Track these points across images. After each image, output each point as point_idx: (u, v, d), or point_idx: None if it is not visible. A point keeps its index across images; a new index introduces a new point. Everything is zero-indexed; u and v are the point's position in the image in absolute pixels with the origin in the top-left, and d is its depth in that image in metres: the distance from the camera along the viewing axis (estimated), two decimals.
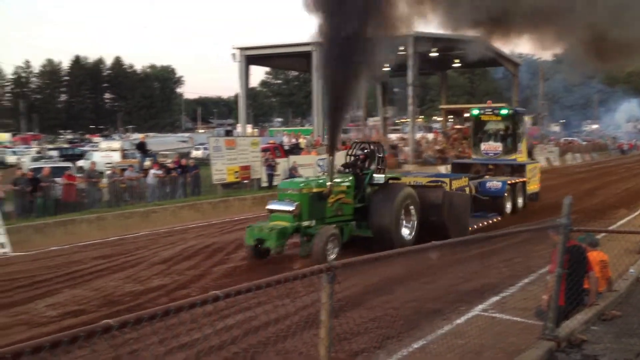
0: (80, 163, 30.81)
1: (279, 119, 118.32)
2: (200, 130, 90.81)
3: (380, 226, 13.30)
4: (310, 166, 27.14)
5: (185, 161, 25.48)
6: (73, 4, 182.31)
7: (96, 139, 69.92)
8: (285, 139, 44.39)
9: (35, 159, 37.55)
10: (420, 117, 77.80)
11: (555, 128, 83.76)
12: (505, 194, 18.28)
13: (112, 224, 17.60)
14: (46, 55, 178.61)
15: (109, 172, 23.81)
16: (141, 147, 37.63)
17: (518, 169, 20.53)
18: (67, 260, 13.17)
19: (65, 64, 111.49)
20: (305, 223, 12.41)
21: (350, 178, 13.70)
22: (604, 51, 15.33)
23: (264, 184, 24.77)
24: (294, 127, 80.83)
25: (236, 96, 55.24)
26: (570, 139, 65.58)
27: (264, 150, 28.32)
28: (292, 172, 24.91)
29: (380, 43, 12.25)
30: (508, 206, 18.55)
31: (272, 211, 12.69)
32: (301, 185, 12.76)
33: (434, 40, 38.13)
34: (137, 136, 60.09)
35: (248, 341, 7.58)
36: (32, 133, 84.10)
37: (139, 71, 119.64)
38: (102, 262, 12.83)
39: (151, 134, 67.83)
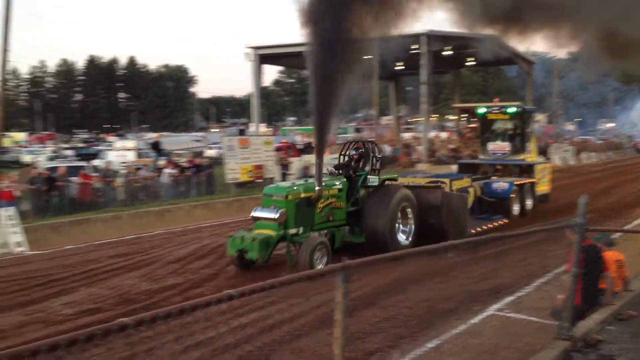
0: (95, 162, 31.00)
1: (292, 118, 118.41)
2: (213, 130, 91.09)
3: (374, 231, 12.65)
4: (323, 165, 27.10)
5: (199, 160, 25.61)
6: (87, 3, 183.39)
7: (111, 138, 70.34)
8: (298, 138, 44.44)
9: (51, 159, 37.83)
10: (434, 115, 77.58)
11: (571, 127, 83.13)
12: (512, 196, 17.56)
13: (127, 223, 17.70)
14: (52, 55, 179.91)
15: (123, 171, 23.96)
16: (155, 146, 37.87)
17: (527, 170, 19.78)
18: (83, 259, 13.26)
19: (80, 63, 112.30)
20: (292, 231, 11.72)
21: (342, 180, 13.01)
22: (618, 49, 15.19)
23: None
24: (307, 126, 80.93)
25: (249, 95, 55.42)
26: (585, 137, 65.08)
27: (277, 149, 28.38)
28: (305, 171, 24.92)
29: (367, 44, 11.81)
30: (515, 208, 17.87)
31: (256, 219, 11.93)
32: (287, 190, 11.93)
33: (447, 38, 37.99)
34: (151, 135, 60.43)
35: (262, 340, 7.60)
36: (47, 132, 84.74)
37: (152, 71, 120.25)
38: (118, 260, 12.91)
39: (165, 134, 68.16)
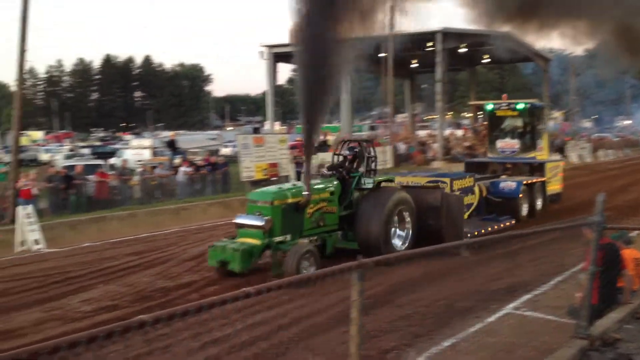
0: (111, 161, 31.21)
1: None
2: (228, 128, 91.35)
3: (367, 236, 11.92)
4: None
5: (215, 159, 25.71)
6: (103, 3, 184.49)
7: (127, 136, 70.78)
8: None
9: (68, 157, 38.15)
10: (449, 113, 77.26)
11: (587, 124, 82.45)
12: (521, 195, 16.87)
13: (143, 220, 17.82)
14: (69, 54, 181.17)
15: (139, 169, 24.10)
16: (171, 144, 38.03)
17: (538, 168, 19.05)
18: (100, 256, 13.36)
19: (96, 63, 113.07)
20: (279, 238, 11.06)
21: (335, 183, 12.31)
22: (635, 45, 15.05)
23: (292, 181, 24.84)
24: (321, 125, 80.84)
25: (264, 94, 55.52)
26: (602, 135, 64.53)
27: (292, 147, 28.39)
28: (320, 170, 24.91)
29: (354, 44, 11.39)
30: (524, 208, 17.20)
31: (239, 226, 11.27)
32: (273, 196, 11.24)
33: (462, 35, 37.86)
34: (167, 134, 60.69)
35: (278, 337, 7.63)
36: (64, 131, 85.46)
37: (168, 70, 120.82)
38: (134, 258, 13.00)
39: (181, 132, 68.43)
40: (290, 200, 11.29)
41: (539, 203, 18.10)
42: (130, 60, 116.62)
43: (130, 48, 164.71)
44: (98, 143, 60.74)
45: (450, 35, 37.79)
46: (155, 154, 36.02)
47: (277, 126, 54.94)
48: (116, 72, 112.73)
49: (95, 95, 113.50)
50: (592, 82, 79.85)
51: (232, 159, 29.96)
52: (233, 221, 11.59)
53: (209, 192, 22.74)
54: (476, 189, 15.66)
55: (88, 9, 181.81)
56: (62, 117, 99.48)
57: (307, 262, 10.54)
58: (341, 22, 10.30)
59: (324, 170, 13.06)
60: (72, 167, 22.66)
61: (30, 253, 14.48)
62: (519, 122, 19.98)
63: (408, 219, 12.57)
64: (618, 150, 51.35)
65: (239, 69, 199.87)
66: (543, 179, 18.57)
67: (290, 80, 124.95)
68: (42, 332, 8.27)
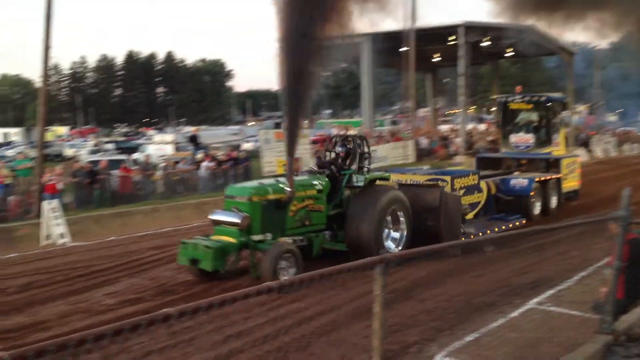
0: (135, 156, 31.51)
1: (328, 111, 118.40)
2: (250, 123, 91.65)
3: (357, 237, 11.19)
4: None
5: (236, 153, 25.82)
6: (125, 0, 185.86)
7: (150, 132, 71.36)
8: (334, 131, 44.41)
9: (92, 152, 38.57)
10: (472, 107, 76.73)
11: (612, 118, 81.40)
12: (533, 193, 16.05)
13: (165, 215, 17.97)
14: (92, 50, 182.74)
15: (162, 164, 24.31)
16: (193, 139, 38.29)
17: (554, 164, 18.03)
18: (124, 250, 13.50)
19: (119, 59, 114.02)
20: (258, 237, 10.38)
21: (324, 180, 11.59)
22: None
23: None
24: (342, 119, 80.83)
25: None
26: (627, 128, 63.65)
27: (314, 142, 28.42)
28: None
29: (336, 40, 10.97)
30: (537, 207, 16.37)
31: (215, 222, 10.66)
32: (251, 191, 10.56)
33: (485, 29, 37.56)
34: (189, 129, 61.09)
35: (300, 331, 7.67)
36: (89, 127, 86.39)
37: (190, 65, 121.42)
38: (157, 252, 13.10)
39: (203, 127, 68.83)
40: (271, 197, 10.61)
41: (553, 201, 17.26)
42: (152, 57, 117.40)
43: (153, 44, 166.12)
44: (121, 138, 61.31)
45: (473, 29, 37.50)
46: (177, 149, 36.31)
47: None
48: (139, 68, 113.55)
49: (118, 91, 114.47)
50: (616, 76, 78.80)
51: (254, 154, 30.08)
52: (208, 217, 10.93)
53: None
54: (484, 187, 14.97)
55: (110, 6, 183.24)
56: (86, 113, 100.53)
57: (286, 263, 9.90)
58: (324, 20, 10.04)
59: (313, 167, 12.36)
60: (96, 162, 22.94)
61: (55, 247, 14.68)
62: (534, 116, 19.12)
63: (403, 219, 11.80)
64: None
65: (260, 64, 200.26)
66: (558, 176, 17.63)
67: None
68: (67, 324, 8.38)
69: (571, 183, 18.47)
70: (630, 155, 43.48)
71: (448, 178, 13.57)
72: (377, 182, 12.23)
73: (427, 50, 42.89)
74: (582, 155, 33.73)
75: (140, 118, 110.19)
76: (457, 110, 52.81)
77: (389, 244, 11.59)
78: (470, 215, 13.97)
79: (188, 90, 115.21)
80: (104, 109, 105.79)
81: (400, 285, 9.51)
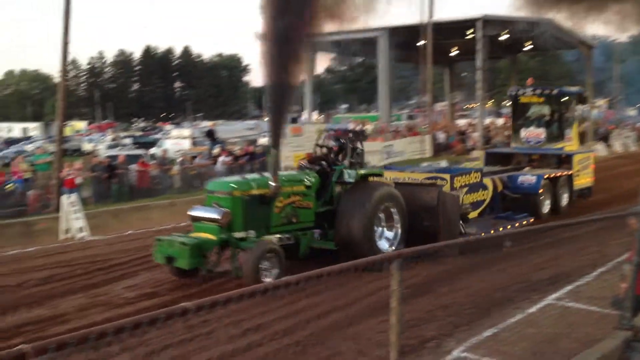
0: (152, 150, 31.71)
1: (345, 106, 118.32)
2: (266, 118, 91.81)
3: (347, 236, 10.66)
4: (376, 152, 27.07)
5: (253, 148, 25.89)
6: None
7: (167, 127, 71.71)
8: (351, 126, 44.37)
9: (111, 147, 38.85)
10: (490, 101, 76.23)
11: (632, 112, 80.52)
12: (541, 190, 15.37)
13: (183, 209, 17.92)
14: (110, 46, 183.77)
15: (179, 159, 24.44)
16: (210, 134, 38.42)
17: (566, 160, 17.28)
18: (142, 244, 13.56)
19: (137, 54, 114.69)
20: (240, 234, 9.89)
21: (313, 176, 11.08)
22: None
23: None
24: (359, 114, 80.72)
25: (301, 83, 55.64)
26: None
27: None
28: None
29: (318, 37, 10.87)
30: (546, 204, 15.68)
31: (195, 219, 10.22)
32: (232, 186, 10.08)
33: (503, 22, 37.29)
34: (206, 124, 61.30)
35: (317, 325, 7.69)
36: (107, 121, 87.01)
37: (206, 60, 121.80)
38: None
39: (219, 122, 69.04)
40: (254, 192, 10.10)
41: (564, 198, 16.57)
42: (169, 52, 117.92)
43: (170, 39, 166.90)
44: (139, 133, 61.67)
45: (491, 22, 37.25)
46: (194, 143, 36.46)
47: (315, 116, 55.06)
48: (156, 63, 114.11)
49: (136, 86, 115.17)
50: (636, 69, 77.92)
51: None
52: (188, 213, 10.45)
53: None
54: (489, 184, 14.37)
55: (127, 1, 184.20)
56: (104, 108, 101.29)
57: (269, 263, 9.45)
58: (308, 17, 9.81)
59: (302, 162, 11.80)
60: (114, 156, 23.11)
61: (74, 241, 14.82)
62: (545, 110, 18.27)
63: (397, 217, 11.24)
64: None
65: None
66: (569, 172, 16.89)
67: (329, 70, 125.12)
68: (86, 317, 8.45)
69: (584, 180, 17.77)
70: None
71: (447, 176, 12.99)
72: (370, 178, 11.65)
73: (445, 44, 42.67)
74: (601, 150, 33.46)
75: (157, 113, 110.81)
76: (474, 105, 52.49)
77: (382, 243, 11.09)
78: (474, 214, 13.46)
79: (205, 85, 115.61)
80: (122, 103, 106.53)
81: (416, 281, 9.49)
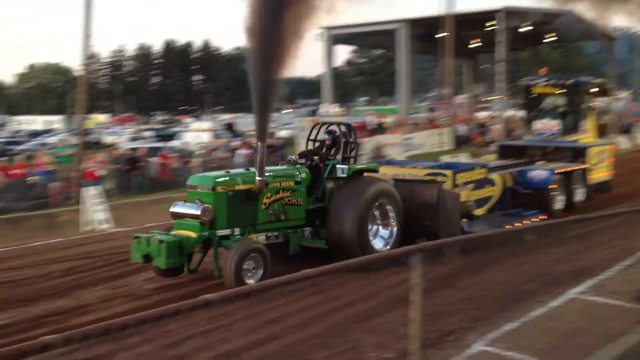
0: (172, 143, 31.91)
1: (364, 98, 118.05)
2: (285, 110, 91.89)
3: (339, 234, 10.10)
4: (395, 145, 27.00)
5: (272, 141, 25.91)
6: None
7: (187, 119, 72.07)
8: (370, 119, 44.28)
9: (132, 140, 39.16)
10: (510, 94, 75.58)
11: None
12: (553, 186, 14.64)
13: None
14: (131, 39, 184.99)
15: (199, 152, 24.58)
16: (230, 127, 38.55)
17: (580, 153, 16.52)
18: None
19: (157, 47, 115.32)
20: (223, 232, 9.43)
21: (303, 171, 10.55)
22: None
23: None
24: (378, 106, 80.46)
25: (320, 76, 55.60)
26: None
27: None
28: (378, 152, 24.90)
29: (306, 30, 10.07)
30: (559, 200, 14.93)
31: (175, 215, 9.70)
32: (215, 181, 9.53)
33: (525, 14, 36.93)
34: (226, 117, 61.51)
35: (337, 318, 7.71)
36: (128, 114, 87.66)
37: (226, 53, 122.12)
38: None
39: (239, 115, 69.23)
40: (239, 187, 9.60)
41: (579, 194, 15.81)
42: (189, 45, 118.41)
43: (189, 33, 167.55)
44: (159, 126, 62.05)
45: (513, 14, 36.93)
46: (214, 136, 36.63)
47: (335, 108, 54.99)
48: (176, 56, 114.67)
49: (156, 79, 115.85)
50: None
51: (289, 141, 30.19)
52: (170, 210, 9.87)
53: None
54: (497, 180, 13.80)
55: None
56: (125, 101, 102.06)
57: (252, 263, 9.02)
58: (293, 10, 9.38)
59: (292, 157, 11.16)
60: (136, 149, 23.31)
61: (95, 232, 14.97)
62: (560, 101, 17.57)
63: (392, 214, 10.73)
64: None
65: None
66: (584, 166, 16.13)
67: (349, 62, 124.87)
68: (108, 308, 8.54)
69: (600, 174, 16.94)
70: None
71: (449, 173, 12.39)
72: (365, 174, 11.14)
73: (465, 36, 42.39)
74: (623, 142, 33.03)
75: (177, 106, 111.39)
76: (495, 97, 52.05)
77: (377, 242, 10.59)
78: (481, 211, 12.92)
79: (224, 78, 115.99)
80: (142, 97, 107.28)
81: (437, 274, 9.46)
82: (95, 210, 15.68)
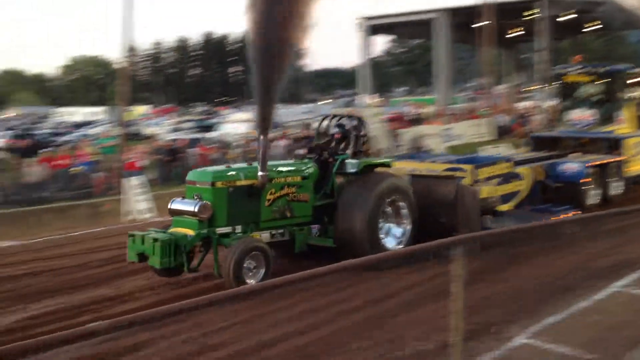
0: (211, 134, 32.19)
1: (403, 88, 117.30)
2: (322, 101, 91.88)
3: (347, 231, 9.66)
4: (434, 136, 26.80)
5: (309, 132, 25.99)
6: None
7: (226, 111, 72.59)
8: (408, 109, 44.04)
9: (172, 131, 39.63)
10: (552, 83, 74.17)
11: None
12: (586, 179, 13.86)
13: None
14: (171, 31, 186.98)
15: (238, 142, 24.76)
16: None
17: (616, 145, 15.57)
18: None
19: (196, 39, 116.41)
20: (224, 230, 8.99)
21: (311, 165, 10.09)
22: None
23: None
24: (416, 97, 79.88)
25: (358, 67, 55.47)
26: None
27: (391, 120, 28.35)
28: (416, 143, 24.78)
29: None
30: (593, 194, 14.11)
31: (174, 212, 9.29)
32: (215, 176, 9.10)
33: (566, 3, 36.22)
34: None
35: (375, 310, 7.72)
36: (168, 106, 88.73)
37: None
38: None
39: (277, 106, 69.40)
40: (240, 182, 9.16)
41: (615, 187, 14.93)
42: (226, 37, 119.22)
43: (228, 24, 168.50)
44: (199, 117, 62.63)
45: (554, 2, 36.24)
46: (253, 127, 36.81)
47: (373, 99, 54.82)
48: (214, 48, 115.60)
49: (195, 71, 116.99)
50: None
51: None
52: (168, 207, 9.52)
53: None
54: (525, 173, 13.07)
55: None
56: (165, 92, 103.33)
57: (253, 262, 8.60)
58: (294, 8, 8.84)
59: (299, 151, 10.80)
60: (175, 140, 23.63)
61: (137, 222, 15.20)
62: (595, 89, 16.74)
63: (405, 212, 10.26)
64: None
65: (332, 42, 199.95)
66: (620, 158, 15.21)
67: (387, 52, 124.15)
68: (150, 297, 8.66)
69: (638, 166, 15.95)
70: None
71: (469, 167, 11.61)
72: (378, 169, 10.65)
73: (504, 25, 41.77)
74: None
75: (216, 97, 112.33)
76: (535, 87, 51.20)
77: (389, 241, 10.10)
78: (507, 207, 12.23)
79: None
80: (182, 88, 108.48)
81: (478, 265, 9.36)
82: (136, 200, 15.93)
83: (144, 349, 6.51)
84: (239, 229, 9.16)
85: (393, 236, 10.22)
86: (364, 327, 7.09)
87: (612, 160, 15.07)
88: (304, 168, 10.00)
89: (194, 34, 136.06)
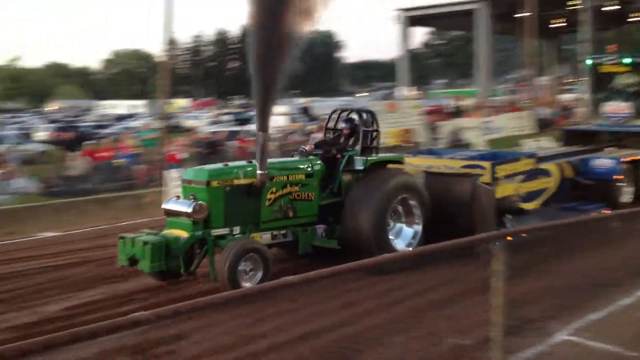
0: (250, 127, 32.39)
1: (442, 81, 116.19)
2: (360, 94, 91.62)
3: (354, 231, 9.18)
4: (474, 129, 26.53)
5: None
6: None
7: None
8: (447, 102, 43.63)
9: (211, 124, 40.02)
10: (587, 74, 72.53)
11: None
12: (619, 177, 13.03)
13: None
14: (210, 25, 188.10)
15: (276, 135, 24.88)
16: (305, 111, 38.77)
17: None
18: None
19: (235, 32, 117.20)
20: (221, 231, 8.55)
21: (316, 163, 9.58)
22: None
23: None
24: (456, 89, 79.08)
25: (396, 59, 55.11)
26: None
27: (430, 112, 28.18)
28: (456, 136, 24.58)
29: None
30: (627, 192, 13.30)
31: (168, 213, 8.87)
32: (210, 175, 8.63)
33: None
34: (302, 101, 61.97)
35: (412, 304, 7.71)
36: (208, 99, 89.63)
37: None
38: None
39: (315, 99, 69.53)
40: (238, 182, 8.72)
41: None
42: None
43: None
44: (238, 110, 63.12)
45: None
46: (290, 120, 36.98)
47: (412, 91, 54.45)
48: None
49: (234, 64, 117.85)
50: None
51: None
52: (162, 206, 9.24)
53: None
54: (553, 170, 12.25)
55: None
56: (204, 85, 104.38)
57: (250, 264, 8.15)
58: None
59: (304, 148, 10.12)
60: (215, 133, 23.88)
61: None
62: (632, 80, 15.83)
63: (417, 212, 9.78)
64: None
65: (370, 34, 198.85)
66: None
67: (426, 44, 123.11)
68: (194, 286, 8.69)
69: None
70: None
71: (488, 164, 10.75)
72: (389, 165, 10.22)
73: (547, 16, 41.04)
74: None
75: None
76: (578, 79, 50.21)
77: (399, 242, 9.65)
78: (533, 205, 11.50)
79: (300, 62, 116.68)
80: (221, 81, 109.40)
81: (517, 262, 9.23)
82: (177, 192, 16.12)
83: (181, 340, 6.60)
84: (237, 230, 8.75)
85: (404, 237, 9.79)
86: (401, 320, 7.09)
87: None
88: (308, 165, 9.51)
89: (233, 28, 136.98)
